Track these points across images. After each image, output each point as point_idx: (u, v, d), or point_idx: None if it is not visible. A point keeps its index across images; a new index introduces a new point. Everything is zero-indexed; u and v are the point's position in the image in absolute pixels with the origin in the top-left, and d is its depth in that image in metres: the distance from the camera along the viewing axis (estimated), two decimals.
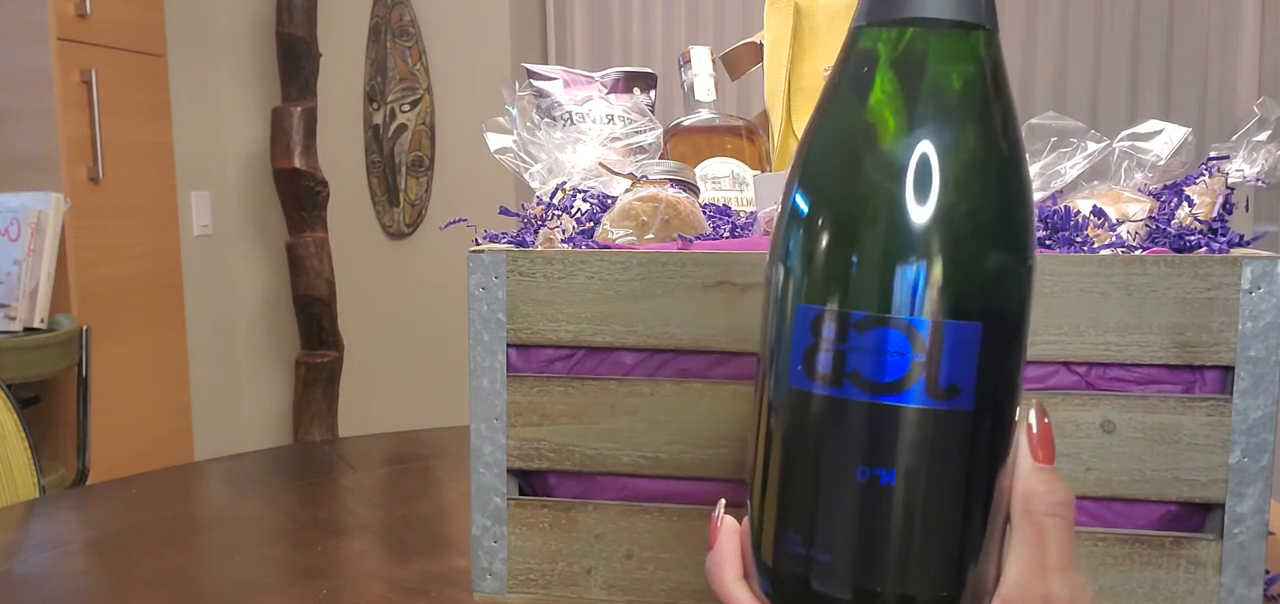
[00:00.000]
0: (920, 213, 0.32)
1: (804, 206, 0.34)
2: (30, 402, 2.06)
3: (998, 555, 0.35)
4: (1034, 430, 0.36)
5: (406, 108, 2.74)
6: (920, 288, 0.32)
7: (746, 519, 0.38)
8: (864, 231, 0.33)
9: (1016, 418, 0.35)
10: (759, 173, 0.77)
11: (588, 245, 0.60)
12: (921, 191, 0.32)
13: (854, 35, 0.35)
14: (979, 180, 0.33)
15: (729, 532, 0.39)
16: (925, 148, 0.32)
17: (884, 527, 0.33)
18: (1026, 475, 0.35)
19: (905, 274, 0.32)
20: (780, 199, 0.36)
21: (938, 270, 0.32)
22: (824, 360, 0.33)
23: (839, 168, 0.34)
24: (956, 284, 0.32)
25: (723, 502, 0.41)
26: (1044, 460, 0.36)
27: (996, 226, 0.33)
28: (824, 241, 0.34)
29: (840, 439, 0.33)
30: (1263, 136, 0.61)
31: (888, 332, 0.32)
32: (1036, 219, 0.35)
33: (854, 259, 0.33)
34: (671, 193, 0.63)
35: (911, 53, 0.33)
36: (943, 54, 0.33)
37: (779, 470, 0.35)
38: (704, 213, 0.66)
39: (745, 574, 0.38)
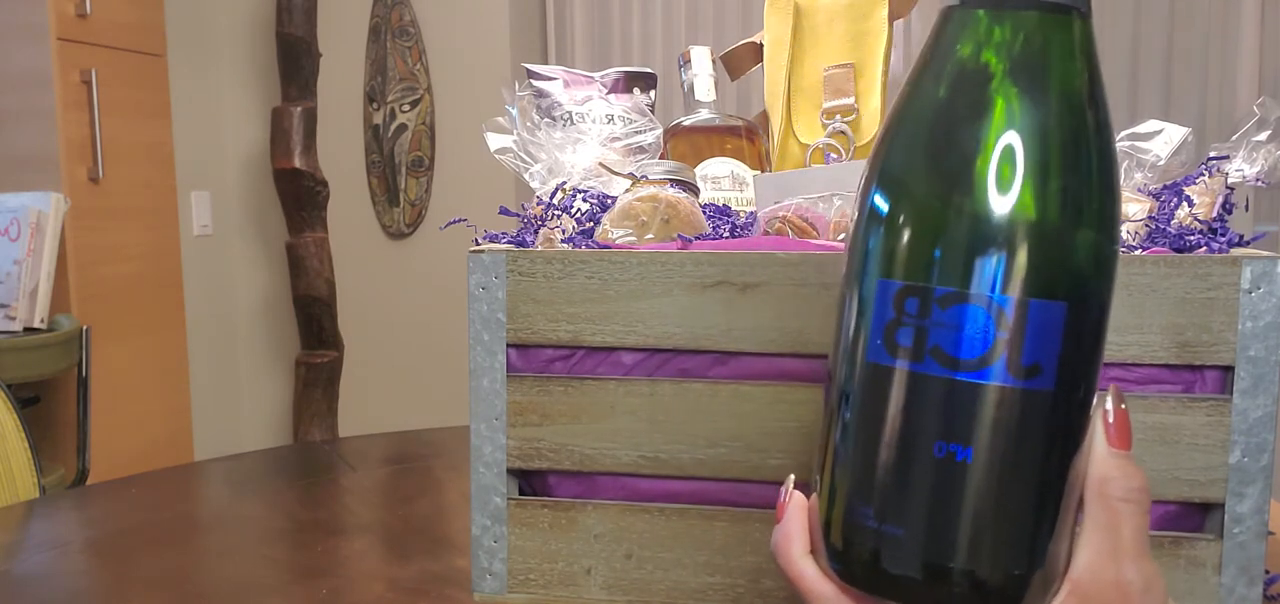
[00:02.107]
0: (1011, 191, 0.32)
1: (890, 184, 0.34)
2: (30, 402, 2.06)
3: (1069, 539, 0.35)
4: (1110, 415, 0.36)
5: (406, 108, 2.74)
6: (1007, 266, 0.32)
7: (814, 495, 0.38)
8: (953, 208, 0.33)
9: (1094, 402, 0.35)
10: (759, 173, 0.77)
11: (588, 245, 0.60)
12: (1013, 171, 0.32)
13: (946, 15, 0.35)
14: (1070, 159, 0.33)
15: (797, 507, 0.39)
16: (1018, 127, 0.32)
17: (958, 504, 0.33)
18: (1102, 459, 0.35)
19: (993, 251, 0.32)
20: (863, 177, 0.36)
21: (1026, 249, 0.32)
22: (905, 335, 0.33)
23: (930, 144, 0.34)
24: (1044, 263, 0.32)
25: (791, 477, 0.40)
26: (1119, 446, 0.35)
27: (1086, 206, 0.33)
28: (911, 218, 0.34)
29: (918, 415, 0.33)
30: (1263, 136, 0.61)
31: (972, 308, 0.32)
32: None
33: (941, 235, 0.33)
34: (671, 193, 0.63)
35: (1005, 34, 0.33)
36: (1038, 35, 0.33)
37: (852, 446, 0.35)
38: (704, 213, 0.66)
39: (812, 550, 0.38)
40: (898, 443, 0.34)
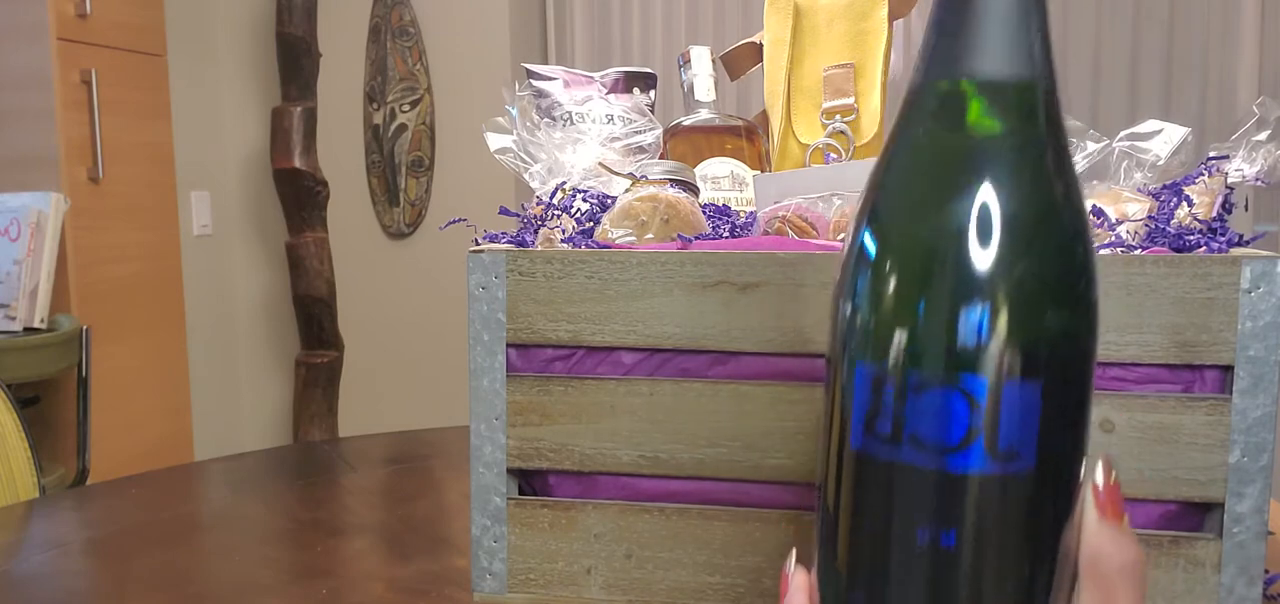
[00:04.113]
0: (975, 275, 0.32)
1: (862, 267, 0.34)
2: (30, 402, 2.06)
3: None
4: (1100, 487, 0.35)
5: (406, 108, 2.74)
6: (978, 350, 0.32)
7: (814, 571, 0.37)
8: (921, 294, 0.33)
9: (1082, 474, 0.35)
10: (759, 173, 0.77)
11: (587, 245, 0.60)
12: (975, 253, 0.32)
13: (912, 94, 0.35)
14: (1037, 237, 0.32)
15: (798, 588, 0.39)
16: (978, 208, 0.32)
17: (948, 590, 0.33)
18: (1093, 533, 0.34)
19: (962, 336, 0.32)
20: (841, 253, 0.36)
21: (995, 332, 0.32)
22: (884, 423, 0.33)
23: (894, 230, 0.34)
24: (1015, 345, 0.32)
25: (794, 552, 0.40)
26: (1111, 518, 0.35)
27: (1054, 285, 0.33)
28: (882, 303, 0.33)
29: (901, 502, 0.33)
30: (1262, 136, 0.61)
31: (946, 394, 0.32)
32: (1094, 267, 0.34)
33: (911, 321, 0.33)
34: (671, 193, 0.63)
35: (968, 110, 0.33)
36: (1000, 111, 0.33)
37: (844, 529, 0.35)
38: (704, 213, 0.66)
39: None
40: (883, 529, 0.34)
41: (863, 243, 0.35)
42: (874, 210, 0.35)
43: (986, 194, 0.32)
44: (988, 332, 0.32)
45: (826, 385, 0.36)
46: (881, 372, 0.33)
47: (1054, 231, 0.33)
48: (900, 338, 0.33)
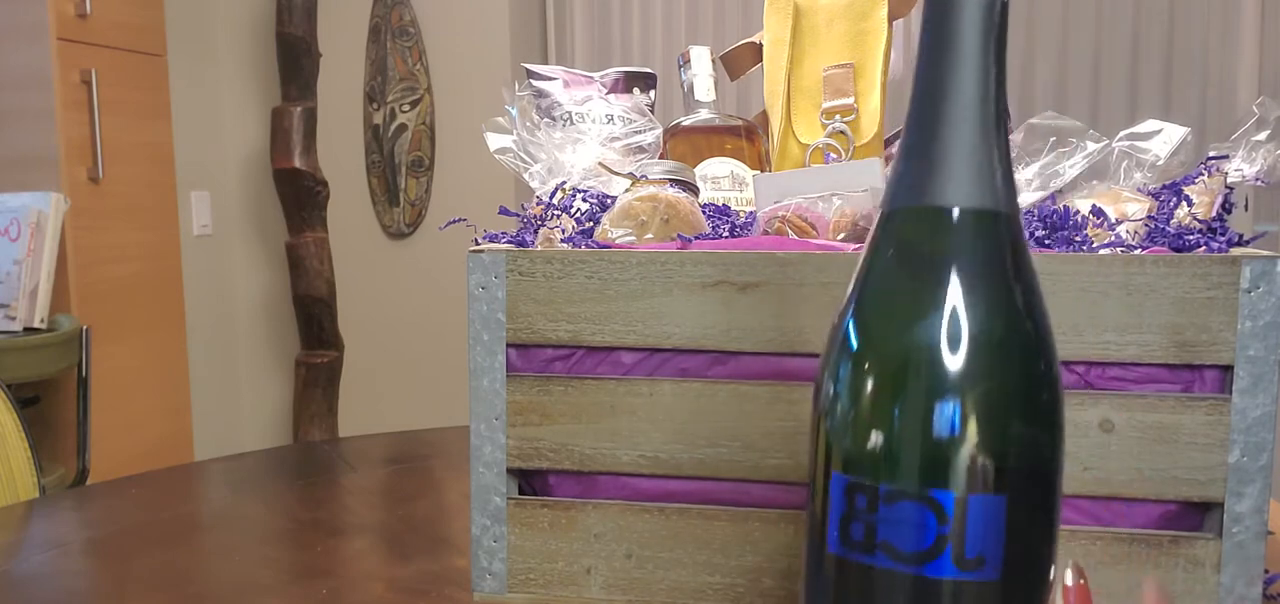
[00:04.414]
0: (941, 391, 0.33)
1: (837, 381, 0.36)
2: (30, 402, 2.06)
3: None
4: (1071, 590, 0.36)
5: (406, 108, 2.74)
6: (944, 462, 0.33)
7: None
8: (890, 408, 0.34)
9: (1052, 577, 0.36)
10: (759, 173, 0.77)
11: (587, 245, 0.60)
12: (941, 371, 0.34)
13: (883, 221, 0.36)
14: (996, 359, 0.34)
15: None
16: (945, 329, 0.34)
17: None
18: None
19: (929, 449, 0.34)
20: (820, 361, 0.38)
21: (960, 445, 0.33)
22: (857, 529, 0.35)
23: (864, 348, 0.36)
24: (979, 458, 0.34)
25: None
26: None
27: (1016, 402, 0.34)
28: (855, 415, 0.35)
29: None
30: (1262, 136, 0.61)
31: (915, 505, 0.34)
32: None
33: (882, 433, 0.34)
34: (671, 193, 0.63)
35: (932, 237, 0.35)
36: (963, 238, 0.35)
37: None
38: (703, 213, 0.66)
39: None
40: None
41: (836, 362, 0.37)
42: (846, 331, 0.37)
43: (951, 317, 0.34)
44: (952, 447, 0.34)
45: (809, 488, 0.38)
46: (856, 480, 0.35)
47: (1014, 352, 0.34)
48: (872, 449, 0.35)
